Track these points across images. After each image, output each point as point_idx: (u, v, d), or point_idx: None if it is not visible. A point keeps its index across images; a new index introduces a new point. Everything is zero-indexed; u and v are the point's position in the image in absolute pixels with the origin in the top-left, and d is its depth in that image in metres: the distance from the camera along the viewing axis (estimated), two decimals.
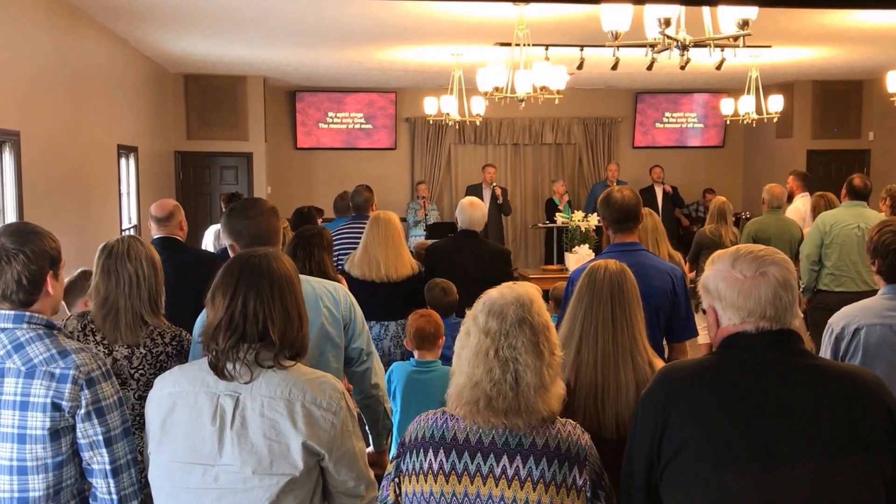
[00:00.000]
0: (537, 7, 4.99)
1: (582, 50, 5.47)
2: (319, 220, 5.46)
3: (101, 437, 1.78)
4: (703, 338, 5.49)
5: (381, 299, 3.80)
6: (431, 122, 9.07)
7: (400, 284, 3.84)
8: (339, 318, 2.32)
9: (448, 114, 7.48)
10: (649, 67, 4.00)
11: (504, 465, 1.55)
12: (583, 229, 6.78)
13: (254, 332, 1.60)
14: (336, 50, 7.13)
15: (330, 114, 10.11)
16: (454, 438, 1.58)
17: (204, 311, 1.75)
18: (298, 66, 8.18)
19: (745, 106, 7.59)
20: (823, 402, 1.44)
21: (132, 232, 6.95)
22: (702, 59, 4.89)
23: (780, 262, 1.51)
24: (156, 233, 3.71)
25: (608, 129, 10.65)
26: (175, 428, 1.62)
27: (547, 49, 6.11)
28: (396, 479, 1.65)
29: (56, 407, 1.74)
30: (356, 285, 3.73)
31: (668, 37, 3.50)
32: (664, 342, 2.80)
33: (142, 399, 2.04)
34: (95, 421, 1.77)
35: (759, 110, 7.58)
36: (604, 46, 4.01)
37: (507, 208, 9.13)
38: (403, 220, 8.56)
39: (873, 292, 2.53)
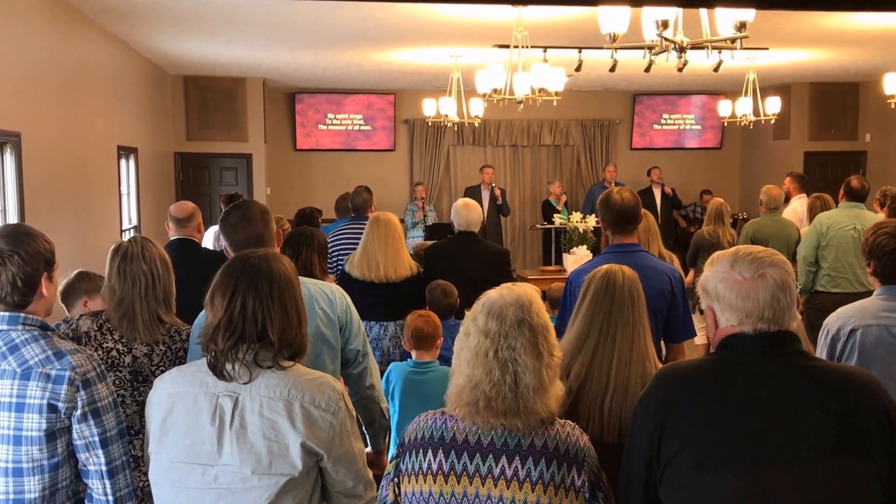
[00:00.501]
0: (535, 9, 5.01)
1: (580, 52, 5.50)
2: (319, 221, 5.49)
3: (97, 438, 1.78)
4: (700, 338, 5.52)
5: (380, 300, 3.82)
6: (430, 123, 9.09)
7: (399, 285, 3.85)
8: (335, 320, 2.32)
9: (447, 115, 7.49)
10: (647, 69, 4.02)
11: (503, 466, 1.56)
12: (581, 230, 6.80)
13: (253, 332, 1.61)
14: (335, 52, 7.14)
15: (329, 115, 10.12)
16: (454, 439, 1.59)
17: (202, 313, 1.75)
18: (297, 67, 8.19)
19: (743, 108, 7.61)
20: (821, 404, 1.44)
21: (132, 233, 6.97)
22: (699, 61, 4.92)
23: (779, 264, 1.51)
24: (174, 234, 3.72)
25: (606, 131, 10.68)
26: (175, 428, 1.63)
27: (545, 51, 6.13)
28: (396, 479, 1.65)
29: (52, 408, 1.74)
30: (355, 285, 3.74)
31: (666, 39, 3.53)
32: (661, 343, 2.81)
33: None
34: (91, 422, 1.78)
35: (756, 112, 7.61)
36: (602, 48, 4.03)
37: (506, 209, 9.15)
38: (402, 221, 8.58)
39: (870, 293, 2.53)
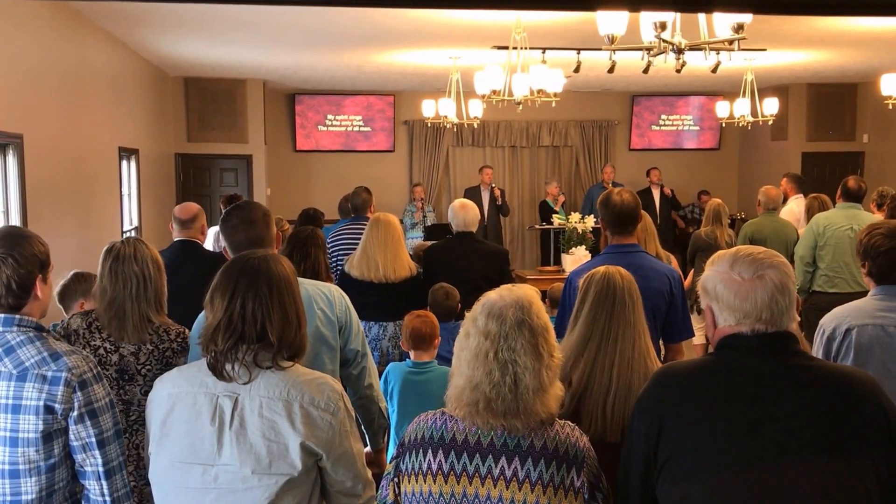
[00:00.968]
0: (534, 11, 5.03)
1: (579, 53, 5.52)
2: (323, 222, 5.49)
3: (93, 439, 1.78)
4: (698, 338, 5.54)
5: (379, 300, 3.83)
6: (429, 124, 9.11)
7: (398, 286, 3.87)
8: (334, 320, 2.33)
9: (446, 116, 7.51)
10: (645, 71, 4.04)
11: (503, 466, 1.56)
12: (580, 231, 6.81)
13: (252, 333, 1.61)
14: (335, 53, 7.16)
15: (329, 116, 10.14)
16: (453, 439, 1.60)
17: (202, 314, 1.75)
18: (297, 69, 8.21)
19: (741, 109, 7.64)
20: (818, 403, 1.45)
21: (133, 233, 6.98)
22: (697, 63, 4.94)
23: (779, 266, 1.51)
24: (177, 235, 3.71)
25: (605, 132, 10.70)
26: (175, 428, 1.63)
27: (544, 52, 6.15)
28: (396, 479, 1.66)
29: (49, 409, 1.74)
30: (355, 286, 3.76)
31: (664, 40, 3.55)
32: (661, 343, 2.83)
33: (148, 395, 2.07)
34: (88, 423, 1.78)
35: (754, 113, 7.63)
36: (600, 50, 4.05)
37: (506, 209, 9.16)
38: (401, 221, 8.59)
39: (866, 293, 2.55)
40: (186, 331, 2.32)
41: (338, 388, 1.68)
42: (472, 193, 8.97)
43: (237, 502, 1.58)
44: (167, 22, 5.79)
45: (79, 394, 1.76)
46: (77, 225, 5.26)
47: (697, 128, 10.87)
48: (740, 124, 7.88)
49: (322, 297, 2.32)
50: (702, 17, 3.95)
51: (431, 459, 1.60)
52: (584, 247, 6.68)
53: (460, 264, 3.96)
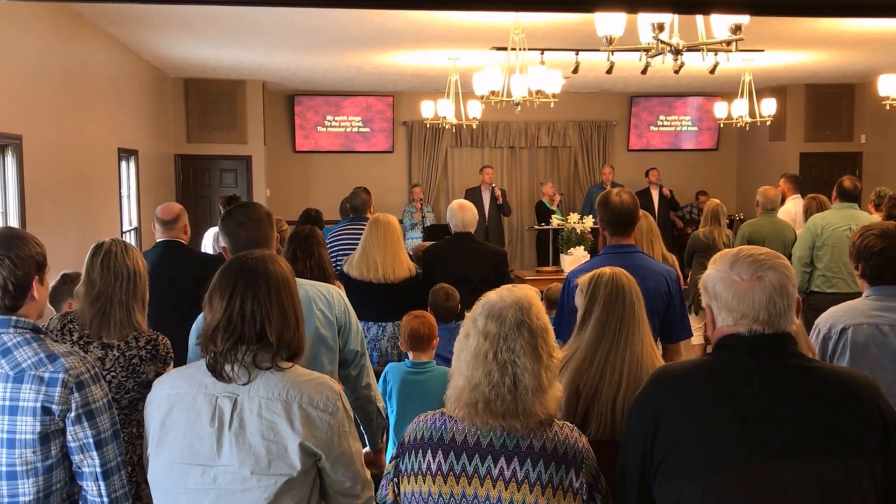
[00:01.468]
0: (532, 12, 5.04)
1: (577, 54, 5.52)
2: (323, 223, 5.50)
3: (91, 440, 1.78)
4: (697, 338, 5.56)
5: (378, 300, 3.84)
6: (428, 125, 9.12)
7: (397, 286, 3.87)
8: (333, 321, 2.33)
9: (445, 117, 7.52)
10: (643, 71, 4.05)
11: (502, 467, 1.56)
12: (578, 231, 6.82)
13: (252, 333, 1.61)
14: (334, 54, 7.17)
15: (328, 117, 10.15)
16: (453, 440, 1.60)
17: (201, 315, 1.74)
18: (297, 70, 8.22)
19: (739, 109, 7.65)
20: (815, 404, 1.45)
21: (132, 234, 7.00)
22: (695, 64, 4.95)
23: (779, 267, 1.50)
24: (160, 236, 3.71)
25: (603, 132, 10.71)
26: (174, 429, 1.63)
27: (542, 53, 6.17)
28: (395, 479, 1.66)
29: (46, 411, 1.73)
30: (354, 286, 3.77)
31: (662, 41, 3.56)
32: (659, 342, 2.84)
33: (113, 401, 2.05)
34: (86, 424, 1.77)
35: (752, 113, 7.65)
36: (598, 51, 4.07)
37: (507, 209, 9.17)
38: (400, 222, 8.60)
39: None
40: (159, 337, 2.30)
41: (336, 388, 1.67)
42: (473, 193, 8.98)
43: (236, 503, 1.58)
44: (167, 23, 5.80)
45: (76, 395, 1.76)
46: (76, 226, 5.27)
47: (696, 128, 10.89)
48: (738, 125, 7.90)
49: (321, 297, 2.32)
50: (699, 18, 3.97)
51: (431, 460, 1.60)
52: (582, 247, 6.69)
53: (458, 265, 3.97)
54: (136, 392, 2.23)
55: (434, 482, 1.59)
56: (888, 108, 6.85)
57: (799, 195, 6.11)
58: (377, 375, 3.01)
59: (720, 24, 3.57)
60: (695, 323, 5.16)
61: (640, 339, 2.10)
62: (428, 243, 5.17)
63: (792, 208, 6.04)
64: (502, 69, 5.90)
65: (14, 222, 4.25)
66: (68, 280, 2.85)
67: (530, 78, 5.65)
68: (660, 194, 9.68)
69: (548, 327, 1.64)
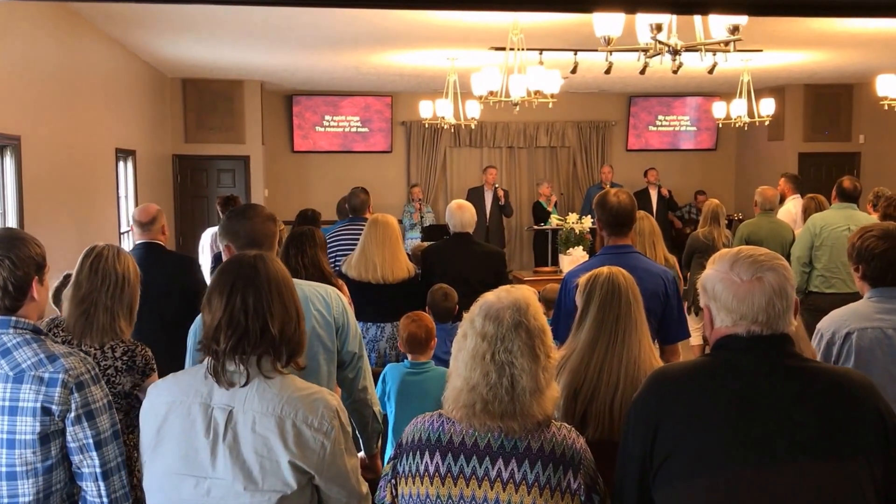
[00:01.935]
0: (530, 12, 5.04)
1: (576, 54, 5.53)
2: (320, 223, 5.50)
3: (91, 441, 1.78)
4: (694, 339, 5.56)
5: (377, 301, 3.84)
6: (427, 125, 9.11)
7: (396, 286, 3.87)
8: (331, 322, 2.31)
9: (443, 117, 7.52)
10: (642, 72, 4.05)
11: (499, 469, 1.56)
12: (577, 231, 6.82)
13: (255, 328, 1.60)
14: (332, 54, 7.17)
15: (326, 117, 10.14)
16: (450, 441, 1.60)
17: (197, 321, 1.73)
18: (295, 70, 8.21)
19: (737, 109, 7.65)
20: (813, 405, 1.45)
21: (130, 235, 6.99)
22: (694, 64, 4.95)
23: (778, 269, 1.50)
24: (138, 238, 3.68)
25: (602, 133, 10.71)
26: (169, 438, 1.62)
27: (541, 53, 6.17)
28: (393, 481, 1.66)
29: (46, 411, 1.74)
30: (353, 287, 3.77)
31: (660, 42, 3.56)
32: (656, 343, 2.84)
33: None
34: (85, 424, 1.77)
35: (750, 113, 7.65)
36: (597, 51, 4.07)
37: (508, 210, 9.18)
38: (400, 222, 8.59)
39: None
40: (139, 348, 2.26)
41: (333, 404, 1.64)
42: (476, 193, 8.99)
43: None
44: (165, 23, 5.79)
45: (76, 395, 1.76)
46: (74, 226, 5.26)
47: (694, 128, 10.89)
48: (737, 125, 7.90)
49: (318, 297, 2.31)
50: (697, 18, 3.97)
51: (429, 461, 1.60)
52: (581, 247, 6.69)
53: (457, 265, 3.97)
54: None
55: (432, 484, 1.59)
56: (886, 108, 6.85)
57: (799, 195, 6.11)
58: (375, 377, 3.00)
59: (718, 24, 3.57)
60: (694, 323, 5.16)
61: (638, 338, 2.10)
62: (426, 243, 5.16)
63: (792, 208, 6.04)
64: (501, 69, 5.90)
65: (12, 223, 4.24)
66: (70, 280, 2.84)
67: (529, 78, 5.65)
68: (658, 194, 9.68)
69: (545, 328, 1.64)
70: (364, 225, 4.11)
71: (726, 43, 3.56)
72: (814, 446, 1.42)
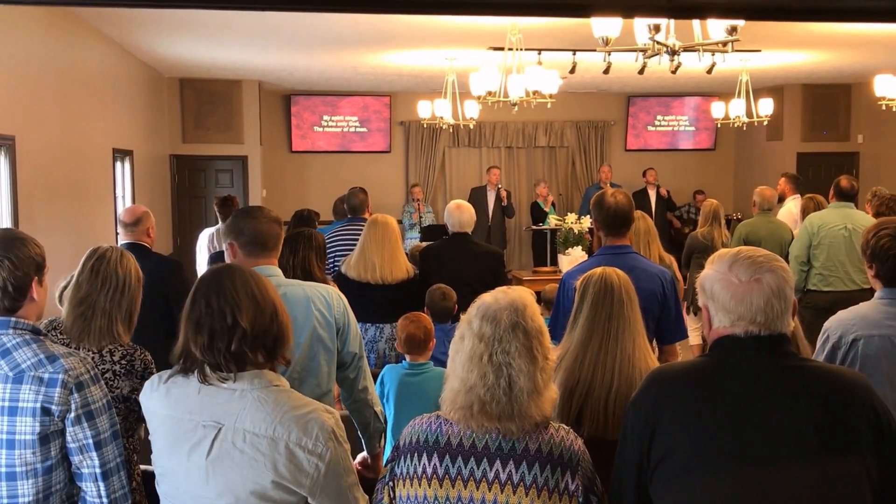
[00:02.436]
0: (528, 17, 5.03)
1: (574, 54, 5.54)
2: (317, 224, 5.50)
3: (90, 441, 1.78)
4: (693, 339, 5.55)
5: (376, 301, 3.83)
6: (425, 125, 9.11)
7: (395, 287, 3.86)
8: (332, 322, 2.30)
9: (442, 117, 7.52)
10: (640, 72, 4.05)
11: (497, 470, 1.56)
12: (576, 231, 6.82)
13: (223, 325, 1.56)
14: (330, 54, 7.16)
15: (325, 117, 10.14)
16: (448, 443, 1.59)
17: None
18: (293, 70, 8.20)
19: (736, 109, 7.66)
20: (810, 404, 1.45)
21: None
22: (692, 64, 4.95)
23: (777, 270, 1.50)
24: (123, 238, 3.66)
25: (601, 132, 10.71)
26: (157, 447, 1.63)
27: (539, 53, 6.17)
28: (391, 483, 1.65)
29: (46, 411, 1.73)
30: (352, 287, 3.76)
31: (658, 42, 3.56)
32: (654, 343, 2.84)
33: None
34: (85, 424, 1.77)
35: (749, 113, 7.66)
36: (595, 51, 4.07)
37: (510, 210, 9.18)
38: (400, 222, 8.59)
39: (861, 291, 2.50)
40: (136, 352, 2.24)
41: (329, 423, 1.58)
42: (478, 193, 8.99)
43: None
44: (162, 23, 5.78)
45: (76, 395, 1.75)
46: (70, 227, 5.25)
47: (693, 128, 10.90)
48: (735, 125, 7.90)
49: (320, 298, 2.30)
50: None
51: (426, 463, 1.59)
52: (580, 247, 6.68)
53: (455, 266, 3.96)
54: None
55: (430, 486, 1.58)
56: (885, 108, 6.85)
57: (799, 195, 6.10)
58: (375, 377, 2.99)
59: (716, 24, 3.57)
60: (693, 323, 5.16)
61: (632, 337, 2.11)
62: (425, 244, 5.15)
63: (793, 208, 6.03)
64: (499, 69, 5.89)
65: (6, 224, 4.23)
66: None
67: (527, 78, 5.65)
68: (657, 194, 9.69)
69: (543, 329, 1.64)
70: (363, 225, 4.10)
71: (724, 43, 3.56)
72: (811, 445, 1.42)
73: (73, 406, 1.75)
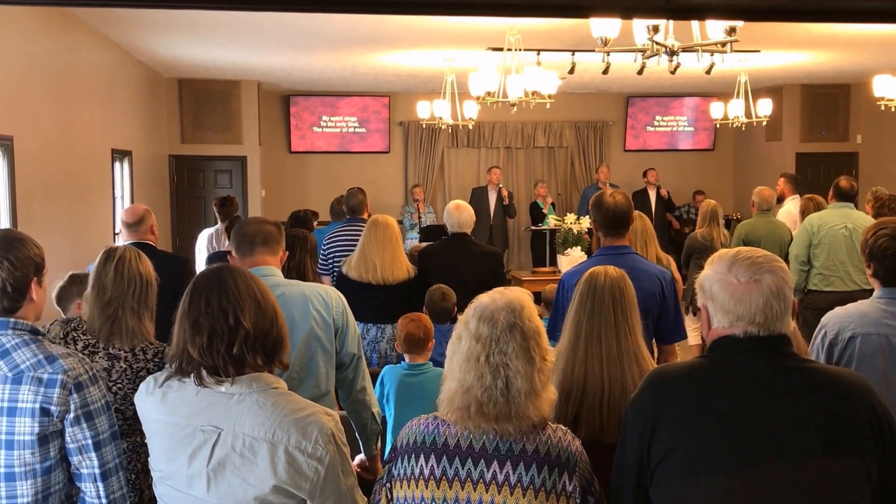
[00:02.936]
0: (526, 18, 5.03)
1: (573, 55, 5.54)
2: (315, 224, 5.50)
3: (89, 441, 1.77)
4: (693, 339, 5.55)
5: (377, 302, 3.82)
6: (425, 125, 9.12)
7: (396, 287, 3.85)
8: (331, 323, 2.29)
9: (441, 118, 7.52)
10: (639, 72, 4.05)
11: (494, 471, 1.55)
12: (575, 231, 6.82)
13: (224, 326, 1.54)
14: (329, 54, 7.16)
15: (324, 118, 10.13)
16: (445, 444, 1.58)
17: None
18: (292, 70, 8.20)
19: (735, 109, 7.66)
20: (809, 404, 1.45)
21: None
22: (691, 64, 4.95)
23: (776, 271, 1.50)
24: (126, 238, 3.64)
25: (600, 133, 10.72)
26: (155, 452, 1.62)
27: (538, 54, 6.16)
28: (388, 484, 1.64)
29: (45, 412, 1.73)
30: (353, 287, 3.75)
31: (657, 43, 3.56)
32: (654, 344, 2.84)
33: (118, 412, 2.04)
34: (84, 425, 1.77)
35: (748, 114, 7.66)
36: (594, 52, 4.07)
37: (512, 210, 9.18)
38: (400, 222, 8.58)
39: (862, 291, 2.50)
40: (166, 349, 2.25)
41: (328, 426, 1.57)
42: (480, 193, 8.98)
43: None
44: (161, 23, 5.78)
45: (75, 396, 1.75)
46: (69, 227, 5.24)
47: (692, 129, 10.90)
48: (734, 125, 7.90)
49: (318, 297, 2.30)
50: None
51: (424, 464, 1.59)
52: (579, 247, 6.69)
53: (454, 266, 3.96)
54: None
55: (427, 487, 1.58)
56: (884, 108, 6.86)
57: (798, 196, 6.10)
58: (375, 377, 2.99)
59: (715, 25, 3.57)
60: (692, 323, 5.16)
61: (615, 338, 2.07)
62: (424, 244, 5.15)
63: (793, 209, 6.02)
64: (498, 70, 5.90)
65: (5, 224, 4.22)
66: (76, 280, 2.82)
67: (526, 78, 5.65)
68: (657, 195, 9.69)
69: (540, 330, 1.63)
70: (362, 225, 4.10)
71: (723, 44, 3.56)
72: (810, 446, 1.42)
73: (72, 406, 1.75)
